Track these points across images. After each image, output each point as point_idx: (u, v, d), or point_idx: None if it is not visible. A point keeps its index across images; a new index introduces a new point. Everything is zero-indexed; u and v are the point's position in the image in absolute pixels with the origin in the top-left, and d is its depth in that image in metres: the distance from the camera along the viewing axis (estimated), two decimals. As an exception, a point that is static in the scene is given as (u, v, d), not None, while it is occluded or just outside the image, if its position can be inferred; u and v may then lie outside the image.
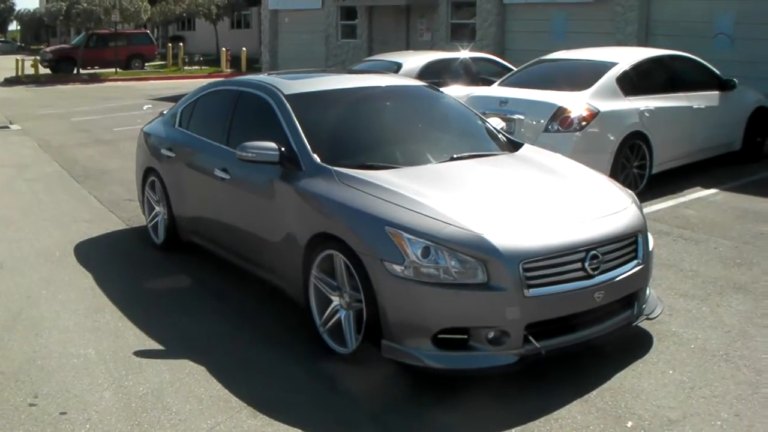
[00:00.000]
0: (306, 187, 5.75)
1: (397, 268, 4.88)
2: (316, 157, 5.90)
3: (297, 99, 6.53)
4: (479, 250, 4.80)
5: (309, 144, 6.01)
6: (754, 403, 4.81)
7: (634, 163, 9.80)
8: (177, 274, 7.49)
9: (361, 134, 6.58)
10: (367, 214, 5.19)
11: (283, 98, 6.52)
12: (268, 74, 7.86)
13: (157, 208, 8.28)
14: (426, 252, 4.85)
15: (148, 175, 8.42)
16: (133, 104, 23.55)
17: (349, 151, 6.19)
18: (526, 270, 4.81)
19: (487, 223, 5.00)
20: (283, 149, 5.98)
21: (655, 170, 10.14)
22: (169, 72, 39.17)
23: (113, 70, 38.31)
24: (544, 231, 5.05)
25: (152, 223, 8.42)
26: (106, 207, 10.25)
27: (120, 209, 10.06)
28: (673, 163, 10.56)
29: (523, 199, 5.56)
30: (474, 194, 5.54)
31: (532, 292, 4.82)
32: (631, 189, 9.54)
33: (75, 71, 37.94)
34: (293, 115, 6.30)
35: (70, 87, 32.69)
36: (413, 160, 6.11)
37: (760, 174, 11.26)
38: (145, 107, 22.11)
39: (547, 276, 4.90)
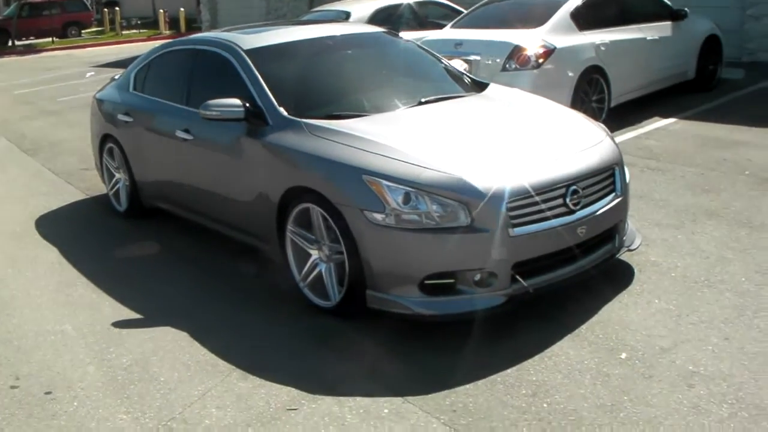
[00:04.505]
0: (275, 141, 5.63)
1: (378, 216, 4.80)
2: (282, 110, 5.76)
3: (257, 53, 6.37)
4: (460, 193, 4.73)
5: (274, 98, 5.87)
6: (741, 325, 4.83)
7: (593, 97, 9.77)
8: (144, 240, 7.35)
9: (326, 84, 6.42)
10: (342, 164, 5.08)
11: (243, 53, 6.36)
12: (223, 30, 7.66)
13: (118, 175, 8.10)
14: (407, 198, 4.76)
15: (105, 142, 8.22)
16: (74, 73, 23.02)
17: (316, 102, 6.05)
18: (509, 209, 4.74)
19: (466, 164, 4.92)
20: (248, 105, 5.83)
21: (613, 103, 10.12)
22: (108, 38, 38.36)
23: (50, 39, 37.42)
24: (524, 169, 4.97)
25: (113, 190, 8.24)
26: (61, 178, 10.02)
27: (76, 179, 9.84)
28: (630, 94, 10.55)
29: (499, 138, 5.49)
30: (448, 137, 5.44)
31: (517, 231, 4.76)
32: (592, 123, 9.63)
33: (10, 43, 36.98)
34: (255, 69, 6.15)
35: (6, 60, 31.80)
36: (381, 106, 6.00)
37: (715, 101, 11.29)
38: (88, 75, 21.64)
39: (530, 214, 4.84)
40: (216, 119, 5.88)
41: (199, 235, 7.04)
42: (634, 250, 5.69)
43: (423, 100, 6.08)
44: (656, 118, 10.40)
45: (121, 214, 8.11)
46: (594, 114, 9.72)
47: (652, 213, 6.88)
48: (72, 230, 7.88)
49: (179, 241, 7.25)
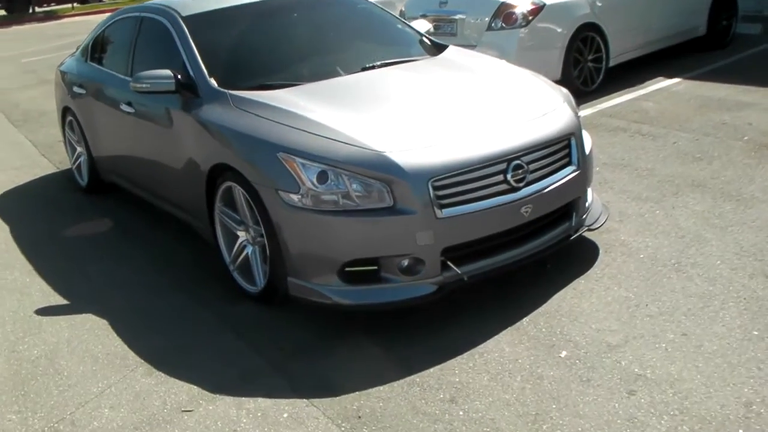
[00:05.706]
0: (204, 115, 5.16)
1: (294, 197, 4.33)
2: (213, 81, 5.29)
3: (195, 20, 5.88)
4: (381, 171, 4.23)
5: (206, 68, 5.40)
6: (704, 318, 4.28)
7: (589, 57, 9.17)
8: (98, 218, 7.00)
9: (264, 52, 5.88)
10: (260, 140, 4.61)
11: (180, 20, 5.88)
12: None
13: (79, 149, 7.77)
14: (323, 177, 4.28)
15: (65, 114, 7.91)
16: (87, 40, 22.70)
17: (250, 72, 5.54)
18: (436, 188, 4.23)
19: (391, 139, 4.42)
20: (179, 76, 5.37)
21: (612, 63, 9.50)
22: (130, 2, 38.00)
23: (70, 5, 37.10)
24: (457, 142, 4.45)
25: (76, 164, 7.92)
26: (39, 150, 9.71)
27: (53, 152, 9.50)
28: (632, 53, 9.90)
29: (438, 107, 4.94)
30: (382, 106, 4.92)
31: (446, 212, 4.25)
32: (587, 84, 9.08)
33: (30, 10, 36.74)
34: (189, 37, 5.68)
35: (26, 27, 31.55)
36: (320, 74, 5.45)
37: (726, 59, 10.57)
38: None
39: (462, 193, 4.32)
40: (147, 92, 5.46)
41: (155, 213, 6.64)
42: (597, 228, 5.15)
43: (366, 65, 5.57)
44: (660, 78, 9.74)
45: (84, 189, 7.78)
46: (591, 75, 9.22)
47: (632, 184, 6.33)
48: (29, 208, 7.53)
49: (132, 219, 6.88)
